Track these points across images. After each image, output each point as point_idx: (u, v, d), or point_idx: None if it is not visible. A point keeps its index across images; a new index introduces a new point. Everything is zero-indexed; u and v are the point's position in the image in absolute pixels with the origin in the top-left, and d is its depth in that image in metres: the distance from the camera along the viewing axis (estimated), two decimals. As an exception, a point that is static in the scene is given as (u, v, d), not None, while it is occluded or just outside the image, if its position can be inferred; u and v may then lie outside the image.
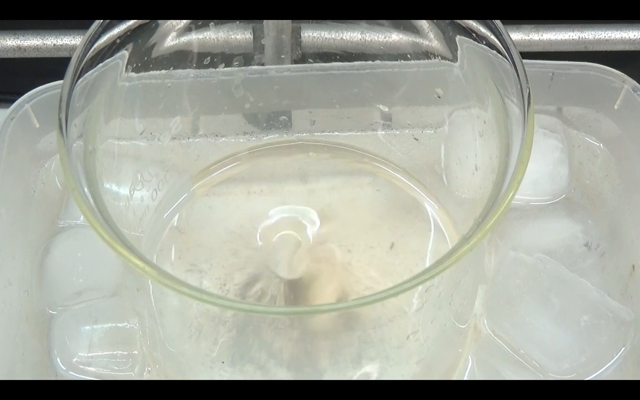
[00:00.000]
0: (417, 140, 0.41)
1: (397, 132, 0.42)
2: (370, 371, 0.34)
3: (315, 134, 0.43)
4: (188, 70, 0.39)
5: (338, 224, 0.40)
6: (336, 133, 0.43)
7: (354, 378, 0.34)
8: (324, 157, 0.43)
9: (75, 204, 0.30)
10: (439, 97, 0.38)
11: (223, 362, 0.33)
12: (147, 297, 0.34)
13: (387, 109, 0.42)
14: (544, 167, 0.42)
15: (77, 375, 0.38)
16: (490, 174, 0.32)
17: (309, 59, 0.43)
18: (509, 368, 0.38)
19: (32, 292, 0.40)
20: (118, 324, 0.38)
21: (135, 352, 0.38)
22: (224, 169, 0.42)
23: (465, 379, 0.38)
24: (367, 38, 0.41)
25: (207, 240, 0.40)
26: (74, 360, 0.38)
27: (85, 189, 0.30)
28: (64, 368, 0.38)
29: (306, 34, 0.43)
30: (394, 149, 0.42)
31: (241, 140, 0.43)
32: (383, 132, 0.42)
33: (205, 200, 0.41)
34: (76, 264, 0.40)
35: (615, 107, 0.43)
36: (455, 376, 0.38)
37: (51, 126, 0.42)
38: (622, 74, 0.42)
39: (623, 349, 0.38)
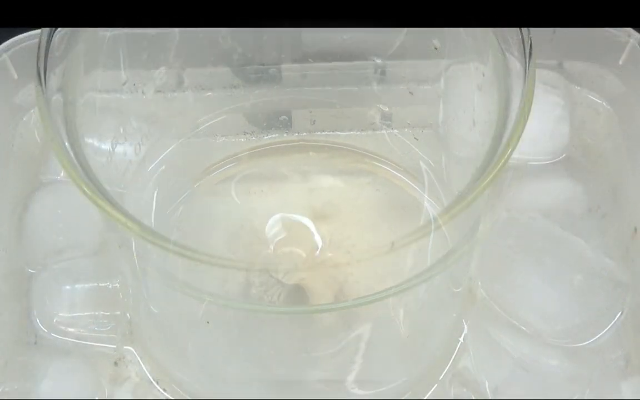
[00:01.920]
0: (412, 94, 0.41)
1: (397, 132, 0.42)
2: (362, 333, 0.33)
3: (316, 133, 0.43)
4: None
5: (338, 223, 0.39)
6: (336, 133, 0.43)
7: (345, 338, 0.33)
8: (324, 157, 0.42)
9: (56, 159, 0.29)
10: (436, 49, 0.37)
11: (208, 322, 0.33)
12: (130, 255, 0.33)
13: (387, 109, 0.41)
14: (544, 124, 0.42)
15: (58, 336, 0.37)
16: (489, 130, 0.31)
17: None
18: (503, 332, 0.37)
19: (11, 250, 0.39)
20: (100, 284, 0.38)
21: (118, 312, 0.37)
22: (224, 168, 0.42)
23: (460, 343, 0.37)
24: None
25: (206, 240, 0.39)
26: (55, 320, 0.37)
27: (66, 143, 0.29)
28: (44, 329, 0.38)
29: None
30: (395, 148, 0.42)
31: (241, 140, 0.42)
32: (383, 132, 0.42)
33: (204, 199, 0.41)
34: (56, 221, 0.39)
35: (620, 62, 0.42)
36: (450, 341, 0.37)
37: (30, 78, 0.41)
38: (628, 28, 0.42)
39: (620, 312, 0.37)
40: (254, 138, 0.43)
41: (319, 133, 0.43)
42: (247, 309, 0.27)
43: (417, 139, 0.41)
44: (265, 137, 0.43)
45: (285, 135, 0.43)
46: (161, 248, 0.27)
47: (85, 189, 0.28)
